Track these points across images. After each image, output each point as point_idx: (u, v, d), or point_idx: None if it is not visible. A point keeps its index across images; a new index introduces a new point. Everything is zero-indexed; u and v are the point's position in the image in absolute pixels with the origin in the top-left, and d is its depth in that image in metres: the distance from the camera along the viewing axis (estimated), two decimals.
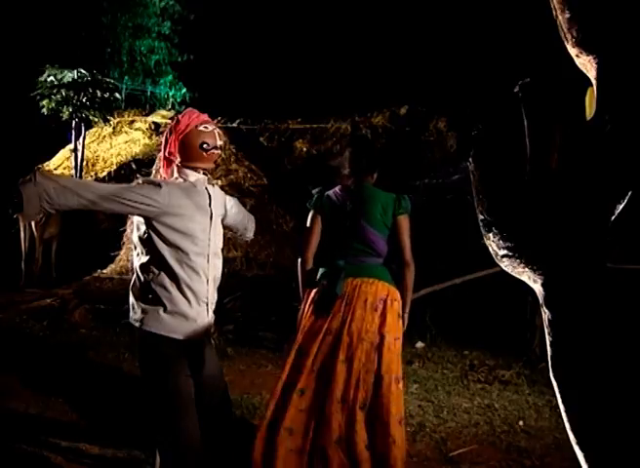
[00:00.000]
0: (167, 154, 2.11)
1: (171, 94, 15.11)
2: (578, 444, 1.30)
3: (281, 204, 7.11)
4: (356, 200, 2.63)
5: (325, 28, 15.35)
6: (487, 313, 4.99)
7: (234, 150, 7.70)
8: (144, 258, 2.03)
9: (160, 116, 11.02)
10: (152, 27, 14.84)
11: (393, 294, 2.56)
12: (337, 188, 2.72)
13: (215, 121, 2.28)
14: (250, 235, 2.60)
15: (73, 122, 9.01)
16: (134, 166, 9.15)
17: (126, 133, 10.50)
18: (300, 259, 2.71)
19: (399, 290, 2.59)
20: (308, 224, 2.72)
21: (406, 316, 2.65)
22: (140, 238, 2.04)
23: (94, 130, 10.44)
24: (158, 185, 1.99)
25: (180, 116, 2.11)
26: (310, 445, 2.36)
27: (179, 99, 15.08)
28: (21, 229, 7.03)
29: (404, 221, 2.61)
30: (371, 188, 2.67)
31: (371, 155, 2.76)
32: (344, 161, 2.75)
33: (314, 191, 2.78)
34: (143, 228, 2.02)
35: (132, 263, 4.24)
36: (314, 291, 2.59)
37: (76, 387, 3.68)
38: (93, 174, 9.64)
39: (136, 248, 2.09)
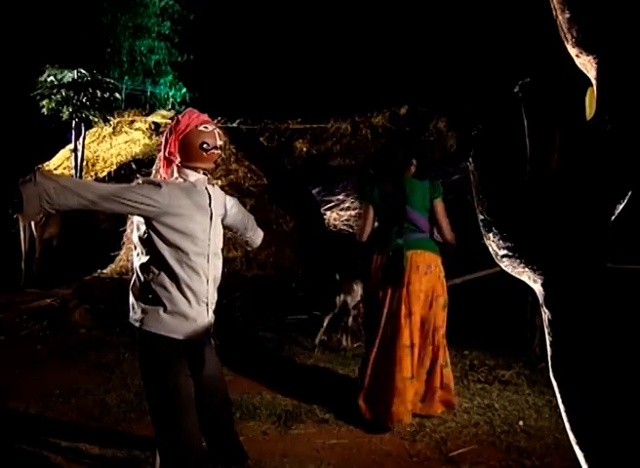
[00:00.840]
0: (167, 154, 2.11)
1: (171, 94, 15.11)
2: (578, 444, 1.30)
3: (281, 204, 7.10)
4: (400, 190, 3.32)
5: (325, 28, 15.35)
6: (487, 313, 4.99)
7: (234, 150, 7.68)
8: (144, 258, 2.03)
9: (160, 116, 11.01)
10: (152, 27, 14.83)
11: (436, 261, 3.32)
12: (386, 182, 3.41)
13: (215, 121, 2.28)
14: (255, 238, 2.58)
15: (73, 122, 9.00)
16: (134, 166, 9.14)
17: (126, 133, 10.49)
18: (358, 240, 3.46)
19: (442, 256, 3.36)
20: (362, 213, 3.58)
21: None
22: (140, 238, 2.04)
23: (94, 130, 10.43)
24: (158, 185, 1.99)
25: (180, 116, 2.11)
26: (385, 382, 3.18)
27: (179, 99, 15.08)
28: (21, 229, 7.02)
29: (439, 204, 3.33)
30: (410, 180, 3.36)
31: (405, 152, 3.42)
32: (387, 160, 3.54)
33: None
34: (143, 228, 2.02)
35: (132, 263, 4.23)
36: (378, 264, 3.33)
37: (76, 387, 3.68)
38: (93, 174, 9.63)
39: (136, 248, 2.09)
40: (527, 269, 1.39)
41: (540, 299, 1.39)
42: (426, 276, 3.25)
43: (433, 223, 3.36)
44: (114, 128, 10.53)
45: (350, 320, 4.84)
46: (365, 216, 3.49)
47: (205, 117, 2.12)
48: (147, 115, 11.20)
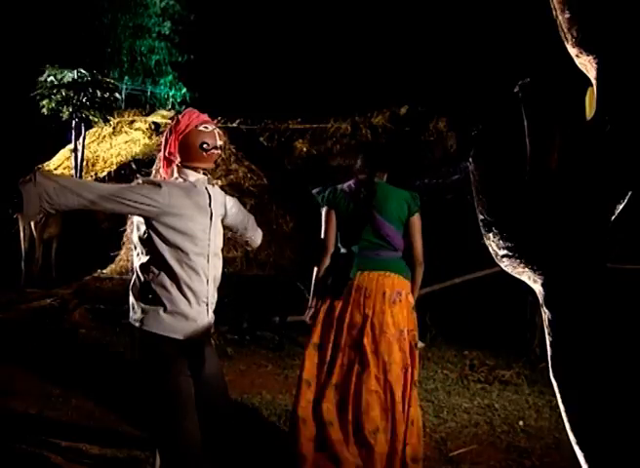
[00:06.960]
0: (167, 154, 2.11)
1: (171, 94, 15.13)
2: (578, 444, 1.30)
3: (281, 204, 7.10)
4: (370, 193, 2.66)
5: (325, 28, 15.35)
6: (487, 313, 4.99)
7: (234, 150, 7.69)
8: (144, 258, 2.03)
9: (160, 116, 11.00)
10: (153, 27, 14.86)
11: (407, 288, 2.65)
12: (351, 182, 2.75)
13: (215, 121, 2.28)
14: (255, 238, 2.55)
15: (73, 122, 9.00)
16: (134, 166, 9.13)
17: (126, 133, 10.48)
18: (320, 256, 2.70)
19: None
20: (325, 221, 2.72)
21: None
22: (140, 238, 2.04)
23: (94, 130, 10.42)
24: (158, 185, 1.99)
25: (179, 116, 2.11)
26: (350, 435, 2.46)
27: (179, 99, 15.10)
28: (21, 229, 7.02)
29: (417, 220, 2.69)
30: (384, 185, 2.72)
31: (383, 154, 2.94)
32: (358, 157, 2.83)
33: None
34: (143, 228, 2.02)
35: (132, 263, 4.22)
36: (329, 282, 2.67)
37: (76, 387, 3.68)
38: (93, 174, 9.62)
39: (136, 248, 2.09)
40: (527, 269, 1.39)
41: (540, 299, 1.39)
42: (394, 306, 2.57)
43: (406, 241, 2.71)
44: (114, 128, 10.52)
45: None
46: (329, 222, 2.71)
47: (205, 117, 2.12)
48: (147, 115, 11.19)
